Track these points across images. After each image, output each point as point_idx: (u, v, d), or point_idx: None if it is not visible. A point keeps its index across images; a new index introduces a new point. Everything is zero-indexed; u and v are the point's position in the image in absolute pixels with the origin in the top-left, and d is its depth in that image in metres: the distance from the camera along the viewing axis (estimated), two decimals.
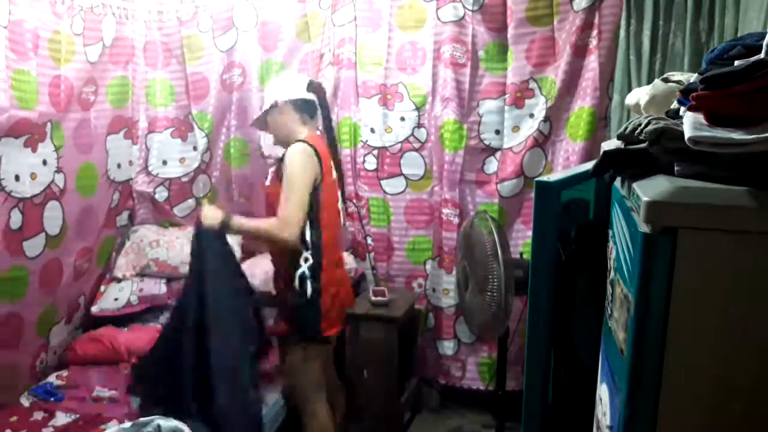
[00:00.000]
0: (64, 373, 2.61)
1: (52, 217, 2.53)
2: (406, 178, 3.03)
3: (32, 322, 2.46)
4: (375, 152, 3.04)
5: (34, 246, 2.43)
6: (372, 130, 3.03)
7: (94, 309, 2.84)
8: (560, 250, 1.76)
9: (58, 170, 2.57)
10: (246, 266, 2.62)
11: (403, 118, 2.98)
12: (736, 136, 0.89)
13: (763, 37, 0.96)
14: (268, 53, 3.08)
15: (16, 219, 2.34)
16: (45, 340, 2.58)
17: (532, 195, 2.82)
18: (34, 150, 2.43)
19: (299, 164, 2.14)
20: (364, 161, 3.06)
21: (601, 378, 1.39)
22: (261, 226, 2.25)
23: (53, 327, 2.62)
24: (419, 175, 3.01)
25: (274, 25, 3.05)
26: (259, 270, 2.78)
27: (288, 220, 2.10)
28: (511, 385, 2.73)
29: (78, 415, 2.30)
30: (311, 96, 2.33)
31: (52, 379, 2.56)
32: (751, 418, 0.98)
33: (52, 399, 2.41)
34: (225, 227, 2.14)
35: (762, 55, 0.93)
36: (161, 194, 3.21)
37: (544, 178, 1.73)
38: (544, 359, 1.75)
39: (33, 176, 2.43)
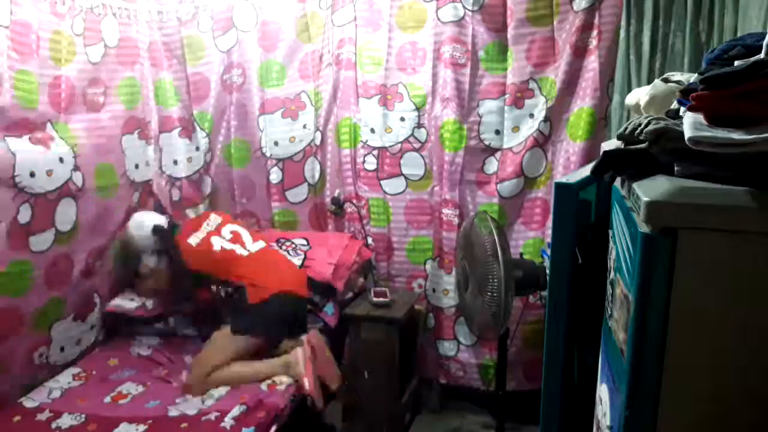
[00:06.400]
0: (80, 371, 2.61)
1: (64, 213, 2.54)
2: (406, 178, 3.03)
3: (29, 314, 2.44)
4: (375, 152, 3.04)
5: (41, 241, 2.44)
6: (372, 131, 3.03)
7: (110, 305, 2.83)
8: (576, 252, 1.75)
9: (76, 168, 2.59)
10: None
11: (403, 119, 2.98)
12: (736, 136, 0.90)
13: (763, 37, 0.96)
14: (268, 53, 3.08)
15: (25, 214, 2.35)
16: (46, 334, 2.57)
17: (532, 195, 2.87)
18: (47, 148, 2.45)
19: None
20: (364, 161, 3.06)
21: (601, 378, 1.39)
22: None
23: (56, 322, 2.61)
24: (419, 175, 3.01)
25: (274, 25, 3.05)
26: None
27: None
28: (511, 385, 2.73)
29: (86, 416, 2.29)
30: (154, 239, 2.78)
31: (67, 377, 2.55)
32: (751, 418, 0.98)
33: None
34: None
35: (762, 55, 0.93)
36: (175, 194, 3.22)
37: (563, 179, 1.72)
38: (562, 360, 1.74)
39: (50, 173, 2.44)
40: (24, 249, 2.37)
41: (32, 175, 2.36)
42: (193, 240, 2.75)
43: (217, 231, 2.79)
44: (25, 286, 2.40)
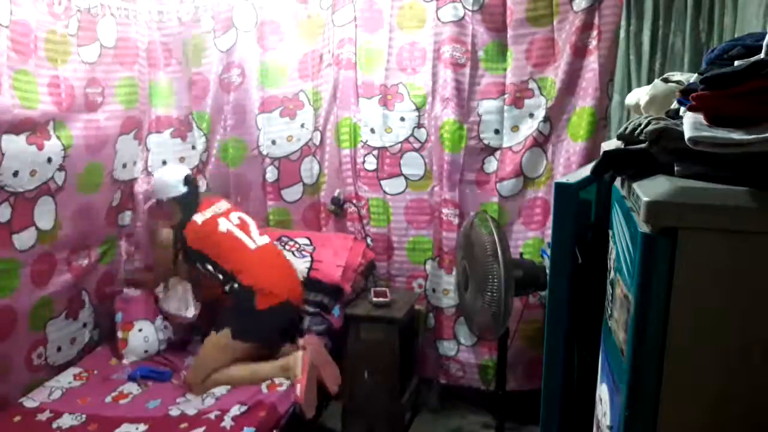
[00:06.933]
0: (81, 371, 2.63)
1: (44, 212, 2.54)
2: (406, 178, 3.03)
3: (24, 314, 2.46)
4: (375, 152, 3.04)
5: (23, 239, 2.45)
6: (372, 131, 3.03)
7: (125, 361, 2.75)
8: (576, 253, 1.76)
9: (61, 168, 2.58)
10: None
11: (403, 119, 2.98)
12: (736, 136, 0.90)
13: (763, 37, 0.96)
14: (267, 53, 3.07)
15: (5, 212, 2.36)
16: (42, 334, 2.58)
17: (532, 195, 2.87)
18: (40, 148, 2.45)
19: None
20: (364, 161, 3.06)
21: (601, 378, 1.39)
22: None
23: (49, 321, 2.62)
24: (419, 175, 3.01)
25: (274, 25, 3.05)
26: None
27: None
28: (511, 385, 2.73)
29: (86, 416, 2.29)
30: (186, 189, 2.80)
31: (68, 377, 2.57)
32: (751, 417, 0.98)
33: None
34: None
35: (762, 55, 0.93)
36: None
37: (563, 179, 1.72)
38: (562, 360, 1.74)
39: (33, 173, 2.44)
40: (8, 247, 2.38)
41: (15, 174, 2.36)
42: (199, 218, 2.72)
43: (225, 214, 2.77)
44: (15, 283, 2.41)
